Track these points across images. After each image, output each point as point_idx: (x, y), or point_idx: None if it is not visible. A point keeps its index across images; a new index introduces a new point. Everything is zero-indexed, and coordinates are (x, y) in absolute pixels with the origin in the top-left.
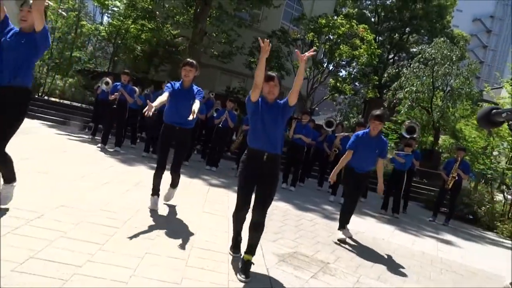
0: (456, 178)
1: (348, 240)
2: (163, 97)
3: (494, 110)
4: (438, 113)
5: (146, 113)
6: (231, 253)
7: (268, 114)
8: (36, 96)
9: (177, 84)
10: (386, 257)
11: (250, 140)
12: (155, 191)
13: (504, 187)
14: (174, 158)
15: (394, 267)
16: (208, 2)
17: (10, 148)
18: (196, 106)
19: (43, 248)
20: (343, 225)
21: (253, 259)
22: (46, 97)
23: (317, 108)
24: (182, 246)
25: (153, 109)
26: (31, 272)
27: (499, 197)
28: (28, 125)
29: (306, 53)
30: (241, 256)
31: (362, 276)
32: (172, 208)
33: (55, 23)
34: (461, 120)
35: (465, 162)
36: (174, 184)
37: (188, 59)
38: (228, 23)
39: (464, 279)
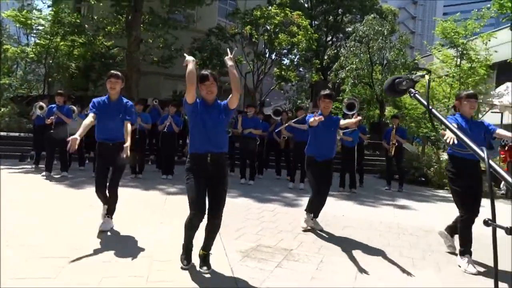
0: (396, 144)
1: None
2: (87, 121)
3: (397, 80)
4: (379, 87)
5: (70, 149)
6: (184, 265)
7: (209, 115)
8: None
9: (103, 99)
10: (347, 232)
11: (191, 145)
12: (106, 211)
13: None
14: (111, 176)
15: (354, 241)
16: (138, 8)
17: None
18: (128, 129)
19: None
20: (311, 211)
21: (216, 260)
22: None
23: (268, 99)
24: (141, 263)
25: (77, 141)
26: None
27: (444, 156)
28: None
29: (229, 55)
30: (199, 254)
31: (325, 256)
32: (127, 226)
33: None
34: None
35: (401, 128)
36: (110, 211)
37: (112, 71)
38: (162, 27)
39: (420, 239)
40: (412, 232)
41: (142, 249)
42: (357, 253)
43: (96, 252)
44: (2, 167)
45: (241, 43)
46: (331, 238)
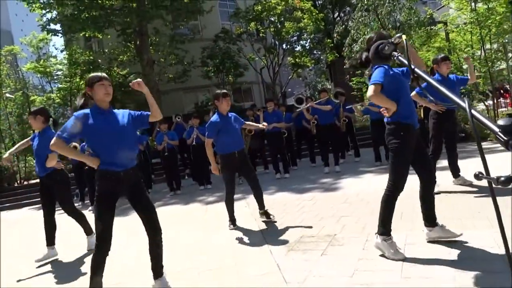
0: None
1: (349, 203)
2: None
3: (380, 46)
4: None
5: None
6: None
7: (232, 124)
8: (16, 185)
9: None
10: None
11: (224, 148)
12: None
13: (481, 96)
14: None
15: (399, 213)
16: (143, 32)
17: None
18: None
19: None
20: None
21: (261, 258)
22: (25, 182)
23: (289, 89)
24: (189, 274)
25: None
26: None
27: (480, 107)
28: (18, 215)
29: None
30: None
31: (370, 234)
32: (173, 241)
33: (6, 109)
34: (422, 48)
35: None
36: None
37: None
38: (170, 44)
39: (470, 199)
40: (463, 191)
41: (190, 260)
42: (404, 226)
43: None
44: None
45: (249, 41)
46: (374, 216)
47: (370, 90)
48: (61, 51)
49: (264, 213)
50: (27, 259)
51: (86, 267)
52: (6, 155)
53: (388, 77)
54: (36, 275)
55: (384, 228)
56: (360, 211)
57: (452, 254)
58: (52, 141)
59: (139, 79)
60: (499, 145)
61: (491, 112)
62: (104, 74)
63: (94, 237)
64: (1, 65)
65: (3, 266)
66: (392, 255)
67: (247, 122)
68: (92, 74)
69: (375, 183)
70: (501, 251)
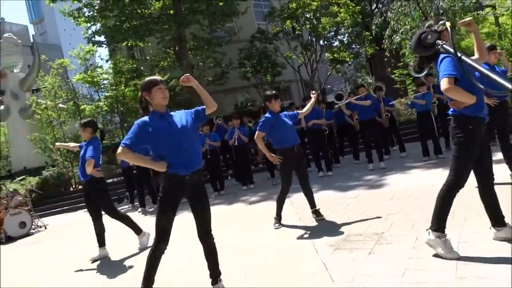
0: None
1: (396, 200)
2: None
3: (423, 35)
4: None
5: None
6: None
7: (284, 120)
8: (71, 189)
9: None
10: None
11: (283, 142)
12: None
13: None
14: None
15: (452, 211)
16: (182, 38)
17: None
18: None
19: None
20: None
21: (307, 257)
22: (80, 187)
23: (328, 86)
24: (237, 275)
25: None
26: None
27: None
28: (73, 219)
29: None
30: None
31: (420, 232)
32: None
33: (59, 118)
34: (468, 35)
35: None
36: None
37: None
38: (208, 48)
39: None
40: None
41: (237, 260)
42: (455, 222)
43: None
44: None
45: (285, 39)
46: (424, 213)
47: (444, 83)
48: (106, 61)
49: (315, 212)
50: (79, 261)
51: (137, 266)
52: (58, 144)
53: (458, 66)
54: (88, 270)
55: (438, 224)
56: (409, 208)
57: (509, 253)
58: (118, 150)
59: (187, 74)
60: None
61: None
62: (160, 78)
63: (145, 237)
64: (54, 78)
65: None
66: (446, 254)
67: (300, 112)
68: (149, 78)
69: (423, 178)
70: None
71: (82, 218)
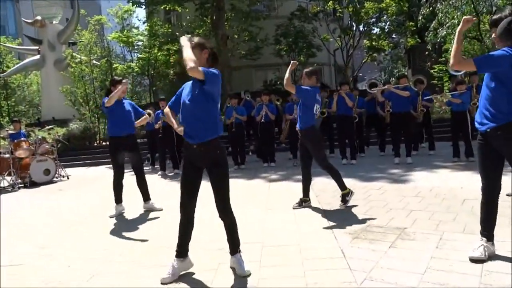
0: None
1: (422, 197)
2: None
3: None
4: (489, 39)
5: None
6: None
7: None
8: (95, 144)
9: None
10: (468, 206)
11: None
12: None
13: None
14: None
15: (478, 216)
16: (221, 7)
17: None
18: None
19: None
20: None
21: (325, 243)
22: (104, 143)
23: (360, 74)
24: (253, 248)
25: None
26: None
27: None
28: (96, 173)
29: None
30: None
31: (445, 232)
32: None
33: (92, 74)
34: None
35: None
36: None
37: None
38: (245, 20)
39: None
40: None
41: (254, 235)
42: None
43: (213, 240)
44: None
45: (325, 20)
46: (450, 214)
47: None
48: (143, 23)
49: (342, 195)
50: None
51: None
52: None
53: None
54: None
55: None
56: (434, 207)
57: None
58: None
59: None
60: None
61: None
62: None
63: (150, 202)
64: (91, 33)
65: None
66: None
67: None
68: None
69: (452, 180)
70: None
71: (104, 172)
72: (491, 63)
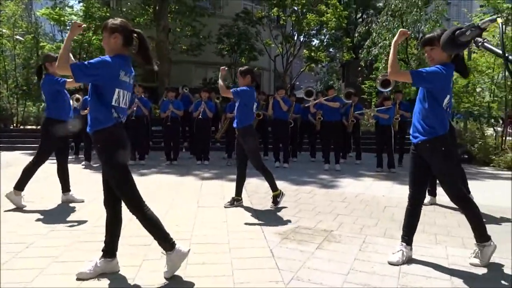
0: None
1: (348, 203)
2: None
3: (458, 31)
4: (415, 61)
5: None
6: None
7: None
8: (12, 127)
9: None
10: (388, 213)
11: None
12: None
13: (493, 120)
14: None
15: (397, 221)
16: None
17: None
18: None
19: (34, 278)
20: None
21: (255, 242)
22: (21, 126)
23: (297, 82)
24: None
25: None
26: None
27: (489, 131)
28: (9, 157)
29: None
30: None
31: (368, 236)
32: (167, 210)
33: (14, 50)
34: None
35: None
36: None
37: None
38: (189, 15)
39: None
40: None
41: (182, 233)
42: (401, 233)
43: (139, 236)
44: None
45: (268, 26)
46: (372, 219)
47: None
48: (79, 2)
49: (273, 197)
50: None
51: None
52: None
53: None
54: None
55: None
56: (359, 212)
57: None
58: None
59: (78, 22)
60: (502, 171)
61: (499, 138)
62: None
63: (70, 194)
64: (17, 5)
65: None
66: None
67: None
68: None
69: (375, 188)
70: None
71: (18, 159)
72: (425, 77)
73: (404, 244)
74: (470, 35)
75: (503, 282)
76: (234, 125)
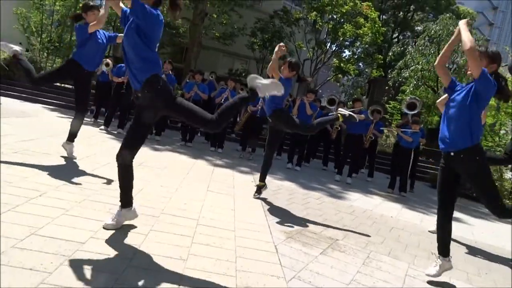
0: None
1: (355, 216)
2: None
3: None
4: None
5: None
6: None
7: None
8: None
9: None
10: (395, 234)
11: None
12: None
13: None
14: None
15: (404, 244)
16: None
17: (14, 131)
18: None
19: (44, 225)
20: None
21: (260, 236)
22: None
23: (320, 90)
24: (187, 224)
25: None
26: (31, 248)
27: (507, 175)
28: (30, 107)
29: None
30: None
31: (372, 252)
32: (176, 188)
33: (54, 6)
34: None
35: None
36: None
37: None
38: (228, 3)
39: (476, 254)
40: (468, 246)
41: (190, 212)
42: (406, 256)
43: (148, 206)
44: (65, 116)
45: (304, 28)
46: (378, 237)
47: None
48: None
49: (258, 187)
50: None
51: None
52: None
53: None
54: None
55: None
56: (366, 228)
57: None
58: None
59: None
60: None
61: None
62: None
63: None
64: None
65: None
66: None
67: None
68: None
69: (384, 207)
70: None
71: (39, 109)
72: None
73: (441, 256)
74: None
75: None
76: (266, 112)
